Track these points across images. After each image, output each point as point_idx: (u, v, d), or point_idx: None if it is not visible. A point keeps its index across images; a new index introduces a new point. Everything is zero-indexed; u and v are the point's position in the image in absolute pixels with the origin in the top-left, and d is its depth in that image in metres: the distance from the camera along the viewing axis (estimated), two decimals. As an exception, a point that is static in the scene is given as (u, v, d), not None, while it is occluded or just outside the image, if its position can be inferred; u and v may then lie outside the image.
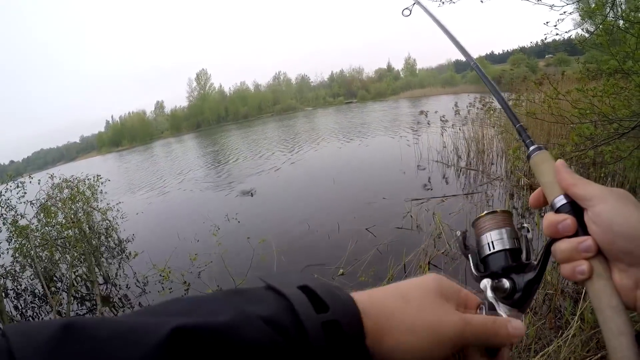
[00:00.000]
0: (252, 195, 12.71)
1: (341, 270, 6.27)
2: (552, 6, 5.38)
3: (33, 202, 7.95)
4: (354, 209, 9.39)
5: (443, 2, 5.56)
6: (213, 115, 73.95)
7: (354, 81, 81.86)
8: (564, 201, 0.66)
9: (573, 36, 7.59)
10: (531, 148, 0.76)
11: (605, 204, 0.57)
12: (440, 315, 0.53)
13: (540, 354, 3.36)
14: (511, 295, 0.67)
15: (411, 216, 7.86)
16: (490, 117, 13.40)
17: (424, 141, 14.53)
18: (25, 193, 7.85)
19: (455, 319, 0.53)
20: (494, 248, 0.72)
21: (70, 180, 9.64)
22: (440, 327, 0.51)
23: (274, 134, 35.30)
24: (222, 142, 37.00)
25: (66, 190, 9.31)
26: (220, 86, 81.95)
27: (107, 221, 10.33)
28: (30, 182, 8.16)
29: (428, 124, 17.06)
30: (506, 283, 0.67)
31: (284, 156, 19.63)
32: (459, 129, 13.89)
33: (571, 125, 5.81)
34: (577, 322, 3.31)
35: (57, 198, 8.77)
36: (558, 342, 3.32)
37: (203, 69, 79.91)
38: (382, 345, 0.47)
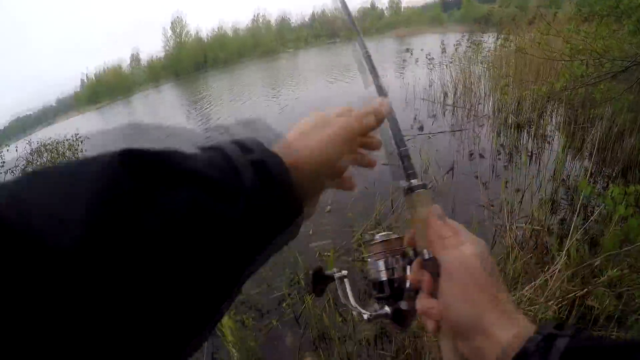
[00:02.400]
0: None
1: (328, 208, 6.24)
2: None
3: (12, 170, 7.65)
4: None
5: None
6: (191, 64, 71.63)
7: (336, 20, 79.61)
8: (429, 256, 0.65)
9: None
10: (413, 182, 0.73)
11: (450, 285, 0.58)
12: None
13: (527, 287, 3.38)
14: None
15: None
16: (478, 55, 13.12)
17: (410, 79, 14.22)
18: (3, 163, 7.54)
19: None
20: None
21: (48, 144, 9.34)
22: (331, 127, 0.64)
23: (254, 79, 34.46)
24: (202, 91, 36.06)
25: (46, 154, 9.03)
26: (197, 33, 78.74)
27: None
28: (7, 150, 7.86)
29: (416, 62, 16.68)
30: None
31: (266, 101, 19.19)
32: (446, 67, 13.59)
33: (562, 62, 5.68)
34: (563, 257, 3.31)
35: (37, 163, 8.51)
36: (545, 277, 3.33)
37: (178, 17, 76.14)
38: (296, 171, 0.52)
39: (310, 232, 5.63)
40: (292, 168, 0.51)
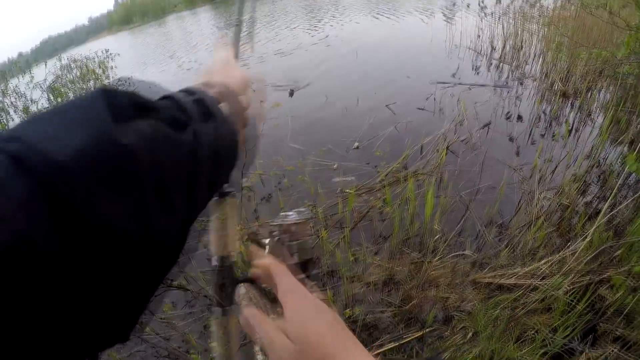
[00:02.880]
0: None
1: (356, 144, 6.20)
2: None
3: (40, 83, 7.53)
4: (376, 85, 9.03)
5: None
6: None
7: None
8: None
9: None
10: (225, 187, 0.79)
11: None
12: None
13: (544, 260, 3.37)
14: None
15: (434, 99, 7.57)
16: (535, 9, 12.33)
17: (458, 26, 13.48)
18: (32, 77, 7.40)
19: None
20: None
21: (78, 60, 9.15)
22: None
23: (295, 6, 33.01)
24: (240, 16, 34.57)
25: (75, 70, 8.87)
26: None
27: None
28: (37, 66, 7.70)
29: (468, 6, 15.78)
30: None
31: (306, 30, 18.45)
32: (499, 18, 12.84)
33: (629, 31, 5.29)
34: (588, 237, 3.27)
35: (66, 79, 8.38)
36: (565, 254, 3.31)
37: None
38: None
39: (335, 166, 5.62)
40: (219, 99, 0.67)
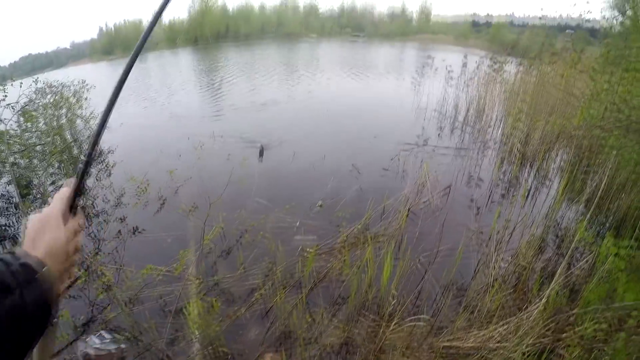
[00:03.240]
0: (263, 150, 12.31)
1: (320, 203, 6.24)
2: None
3: (13, 105, 7.45)
4: (343, 142, 9.31)
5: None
6: (213, 32, 70.81)
7: (364, 17, 78.91)
8: None
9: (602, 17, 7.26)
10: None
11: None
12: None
13: (502, 322, 3.34)
14: None
15: (399, 159, 7.78)
16: (498, 77, 12.98)
17: (425, 88, 14.12)
18: (6, 96, 7.35)
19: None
20: None
21: (54, 86, 9.16)
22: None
23: (273, 59, 34.17)
24: (219, 61, 35.73)
25: (49, 96, 8.85)
26: (224, 3, 78.35)
27: (90, 130, 9.79)
28: (12, 85, 7.61)
29: (435, 71, 16.55)
30: None
31: (281, 82, 19.00)
32: (464, 83, 13.48)
33: (582, 100, 5.59)
34: (543, 300, 3.27)
35: (40, 103, 8.34)
36: (521, 317, 3.29)
37: (209, -17, 75.39)
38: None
39: (298, 223, 5.60)
40: (40, 264, 0.74)
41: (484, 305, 3.69)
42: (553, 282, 3.34)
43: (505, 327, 3.27)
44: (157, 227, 5.84)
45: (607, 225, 5.37)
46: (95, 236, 5.77)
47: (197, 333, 3.58)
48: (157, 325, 3.76)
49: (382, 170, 7.47)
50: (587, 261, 4.00)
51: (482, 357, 3.11)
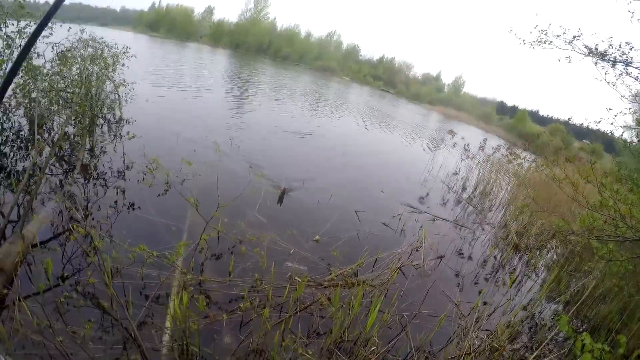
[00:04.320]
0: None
1: (317, 237, 6.36)
2: (622, 97, 5.38)
3: (55, 44, 7.62)
4: (351, 188, 9.52)
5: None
6: (255, 43, 72.55)
7: (399, 73, 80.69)
8: None
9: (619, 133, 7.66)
10: None
11: None
12: None
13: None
14: None
15: (400, 219, 7.93)
16: (511, 166, 13.37)
17: (439, 159, 14.49)
18: (51, 34, 7.54)
19: None
20: None
21: (98, 42, 9.33)
22: None
23: (304, 87, 34.94)
24: (252, 71, 36.52)
25: (90, 49, 8.99)
26: (274, 19, 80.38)
27: (116, 94, 10.11)
28: (61, 26, 7.76)
29: (453, 146, 17.00)
30: None
31: (303, 111, 19.49)
32: (476, 164, 13.86)
33: (587, 208, 5.82)
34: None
35: (79, 53, 8.48)
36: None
37: (264, -4, 77.74)
38: None
39: (292, 251, 5.72)
40: None
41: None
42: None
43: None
44: (154, 209, 5.97)
45: (582, 329, 5.52)
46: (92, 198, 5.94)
47: (169, 325, 3.63)
48: (130, 304, 3.76)
49: (381, 225, 7.64)
50: (557, 355, 4.14)
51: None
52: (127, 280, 4.17)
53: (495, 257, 7.58)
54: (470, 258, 7.27)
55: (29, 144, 7.03)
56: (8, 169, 6.18)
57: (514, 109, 71.38)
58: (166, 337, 3.60)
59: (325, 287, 4.96)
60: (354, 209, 7.99)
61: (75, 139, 7.74)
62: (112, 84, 9.83)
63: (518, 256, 7.98)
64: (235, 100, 17.93)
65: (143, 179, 6.78)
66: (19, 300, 3.29)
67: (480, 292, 5.74)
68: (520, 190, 11.44)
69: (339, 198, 8.42)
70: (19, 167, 6.30)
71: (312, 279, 5.04)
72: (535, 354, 3.81)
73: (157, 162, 6.37)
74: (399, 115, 34.17)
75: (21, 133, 7.58)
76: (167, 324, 3.65)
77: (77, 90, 7.70)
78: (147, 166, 6.88)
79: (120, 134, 9.08)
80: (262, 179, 7.93)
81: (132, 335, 3.50)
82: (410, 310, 4.87)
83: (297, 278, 4.73)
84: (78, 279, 4.12)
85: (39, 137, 6.90)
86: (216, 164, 8.02)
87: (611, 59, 5.17)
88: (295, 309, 4.35)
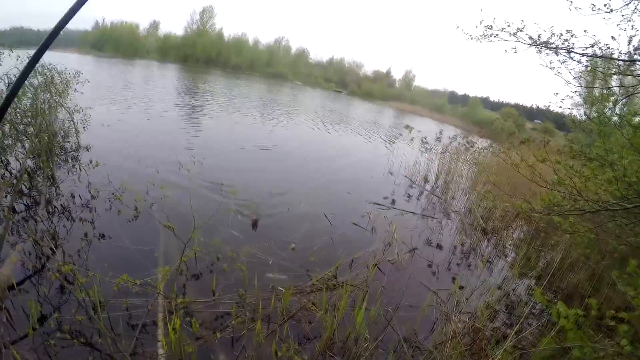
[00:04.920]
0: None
1: (292, 245, 6.44)
2: (567, 82, 5.69)
3: (5, 75, 7.32)
4: (318, 193, 9.61)
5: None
6: (204, 55, 71.54)
7: (350, 73, 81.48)
8: None
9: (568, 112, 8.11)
10: None
11: None
12: None
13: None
14: None
15: (369, 217, 8.14)
16: (468, 154, 13.84)
17: (399, 154, 14.83)
18: (0, 64, 7.23)
19: None
20: None
21: (48, 68, 8.98)
22: None
23: (257, 95, 34.83)
24: (205, 84, 36.13)
25: (40, 77, 8.66)
26: (221, 29, 79.49)
27: (71, 122, 9.74)
28: (10, 55, 7.46)
29: (411, 140, 17.39)
30: None
31: (263, 120, 19.52)
32: (435, 155, 14.27)
33: (545, 187, 6.13)
34: (498, 359, 3.57)
35: (29, 81, 8.11)
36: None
37: (211, 6, 76.48)
38: None
39: (270, 262, 5.77)
40: None
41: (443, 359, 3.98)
42: (505, 343, 3.67)
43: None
44: (125, 236, 5.86)
45: (556, 299, 5.84)
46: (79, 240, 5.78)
47: (163, 351, 3.61)
48: (120, 336, 3.75)
49: (352, 225, 7.79)
50: (536, 328, 4.40)
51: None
52: (113, 313, 4.13)
53: (464, 243, 7.87)
54: (441, 247, 7.53)
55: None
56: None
57: (465, 97, 73.61)
58: None
59: (308, 293, 5.05)
60: (324, 213, 8.11)
61: (36, 173, 7.41)
62: (66, 112, 9.49)
63: (486, 239, 8.32)
64: (192, 116, 17.66)
65: (111, 207, 6.64)
66: (5, 347, 3.24)
67: (454, 278, 5.98)
68: (480, 177, 11.87)
69: (308, 204, 8.51)
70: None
71: (295, 286, 5.12)
72: (516, 328, 4.05)
73: (123, 188, 6.26)
74: (355, 114, 34.61)
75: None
76: (160, 350, 3.62)
77: (31, 120, 7.42)
78: (113, 193, 6.81)
79: (80, 163, 8.72)
80: (233, 195, 7.92)
81: None
82: (393, 304, 5.03)
83: (280, 288, 4.80)
84: (61, 317, 4.00)
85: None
86: (182, 183, 7.97)
87: (554, 47, 5.46)
88: (284, 318, 4.42)
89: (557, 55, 5.39)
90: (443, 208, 10.12)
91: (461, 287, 5.75)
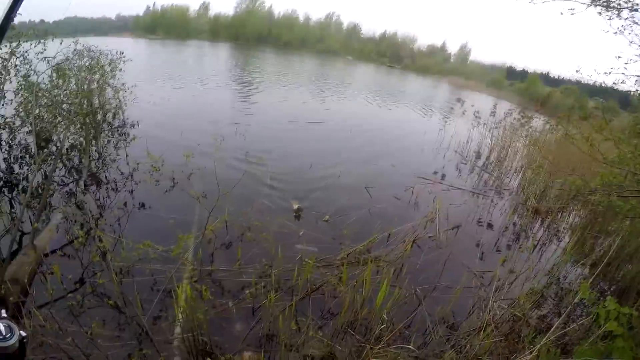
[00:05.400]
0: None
1: (327, 217, 6.27)
2: (631, 42, 5.07)
3: (49, 59, 7.52)
4: (360, 164, 9.40)
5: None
6: (254, 33, 71.69)
7: (403, 48, 79.19)
8: None
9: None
10: None
11: None
12: None
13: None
14: None
15: (412, 192, 7.78)
16: (524, 130, 13.02)
17: (451, 128, 14.19)
18: (44, 49, 7.44)
19: None
20: None
21: (92, 51, 9.24)
22: None
23: (308, 71, 34.57)
24: (255, 61, 36.25)
25: (86, 59, 8.92)
26: (271, 7, 79.16)
27: (117, 100, 10.08)
28: (53, 40, 7.67)
29: (463, 113, 16.61)
30: None
31: (310, 96, 19.21)
32: (489, 131, 13.53)
33: (604, 165, 5.57)
34: (534, 353, 3.22)
35: (75, 64, 8.41)
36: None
37: (260, -16, 76.55)
38: None
39: (301, 233, 5.62)
40: None
41: (473, 348, 3.66)
42: (547, 336, 3.30)
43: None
44: (163, 207, 5.95)
45: (609, 292, 5.32)
46: (102, 203, 5.93)
47: (181, 317, 3.56)
48: (143, 300, 3.78)
49: (393, 199, 7.48)
50: (582, 323, 3.95)
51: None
52: (138, 277, 4.17)
53: (514, 224, 7.35)
54: (488, 226, 7.08)
55: (34, 159, 7.01)
56: (18, 184, 6.24)
57: (523, 72, 69.62)
58: (177, 330, 3.57)
59: (337, 267, 4.85)
60: (365, 185, 7.84)
61: (81, 148, 7.68)
62: (112, 90, 9.80)
63: (539, 220, 7.73)
64: (242, 92, 17.75)
65: (149, 178, 6.70)
66: (35, 308, 3.32)
67: (501, 260, 5.54)
68: (536, 154, 11.09)
69: (350, 177, 8.28)
70: (28, 182, 6.21)
71: (323, 259, 4.95)
72: (561, 319, 3.63)
73: (160, 161, 6.29)
74: (408, 89, 33.64)
75: (30, 148, 7.45)
76: (178, 316, 3.58)
77: (77, 100, 7.63)
78: (152, 165, 6.84)
79: (124, 138, 9.08)
80: (264, 167, 7.80)
81: (144, 331, 3.51)
82: (428, 284, 4.74)
83: (306, 260, 4.61)
84: (90, 281, 4.12)
85: (46, 150, 7.03)
86: (220, 155, 7.93)
87: (616, 7, 4.87)
88: (306, 291, 4.25)
89: (619, 17, 4.79)
90: (494, 186, 9.54)
91: (507, 271, 5.33)
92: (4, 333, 0.99)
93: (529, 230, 7.26)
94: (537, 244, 6.62)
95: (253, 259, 4.77)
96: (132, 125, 9.90)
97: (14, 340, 0.99)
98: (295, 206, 6.31)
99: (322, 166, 8.77)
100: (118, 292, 3.79)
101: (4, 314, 1.05)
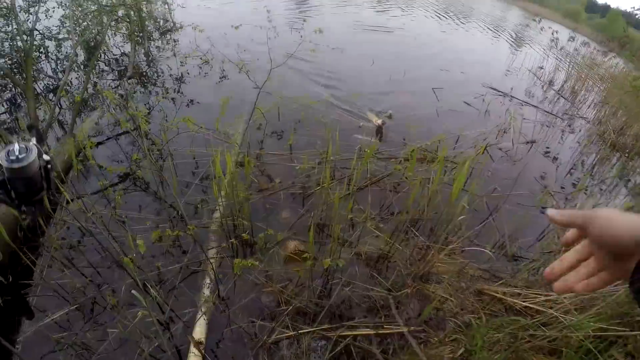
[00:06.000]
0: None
1: (389, 112, 5.79)
2: None
3: None
4: (427, 68, 8.72)
5: None
6: None
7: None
8: None
9: None
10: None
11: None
12: None
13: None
14: None
15: (483, 100, 7.12)
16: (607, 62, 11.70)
17: (525, 49, 12.93)
18: None
19: None
20: None
21: None
22: None
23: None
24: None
25: None
26: None
27: (164, 3, 9.78)
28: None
29: (541, 30, 15.04)
30: None
31: (374, 8, 17.74)
32: (566, 56, 12.23)
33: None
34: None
35: None
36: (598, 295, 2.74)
37: None
38: None
39: (360, 124, 5.21)
40: None
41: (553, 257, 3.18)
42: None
43: (573, 300, 2.72)
44: (215, 100, 5.47)
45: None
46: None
47: (220, 199, 3.23)
48: (181, 182, 3.60)
49: (462, 104, 6.80)
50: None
51: (535, 325, 2.58)
52: (180, 160, 3.96)
53: (587, 156, 6.60)
54: (561, 150, 6.36)
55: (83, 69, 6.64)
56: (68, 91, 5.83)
57: (605, 8, 63.30)
58: (217, 214, 3.24)
59: (400, 162, 4.36)
60: (432, 87, 7.18)
61: (128, 47, 7.38)
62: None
63: (614, 157, 6.91)
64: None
65: (199, 73, 6.42)
66: (76, 197, 3.17)
67: (576, 185, 4.92)
68: (614, 93, 9.87)
69: (414, 75, 7.64)
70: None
71: (386, 151, 4.52)
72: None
73: (207, 55, 6.43)
74: (479, 6, 31.04)
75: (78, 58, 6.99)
76: (217, 196, 3.23)
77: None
78: (201, 58, 6.71)
79: (172, 38, 8.63)
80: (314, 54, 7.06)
81: (179, 214, 3.26)
82: (499, 194, 4.22)
83: (366, 150, 4.13)
84: (129, 169, 3.86)
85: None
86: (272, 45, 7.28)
87: None
88: (366, 182, 3.81)
89: None
90: (569, 111, 8.60)
91: (585, 193, 4.74)
92: (17, 153, 0.87)
93: (606, 162, 6.51)
94: (622, 171, 5.94)
95: (307, 146, 4.40)
96: (181, 27, 9.25)
97: (28, 161, 0.88)
98: (379, 121, 5.32)
99: (387, 62, 8.27)
100: (153, 176, 3.60)
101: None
